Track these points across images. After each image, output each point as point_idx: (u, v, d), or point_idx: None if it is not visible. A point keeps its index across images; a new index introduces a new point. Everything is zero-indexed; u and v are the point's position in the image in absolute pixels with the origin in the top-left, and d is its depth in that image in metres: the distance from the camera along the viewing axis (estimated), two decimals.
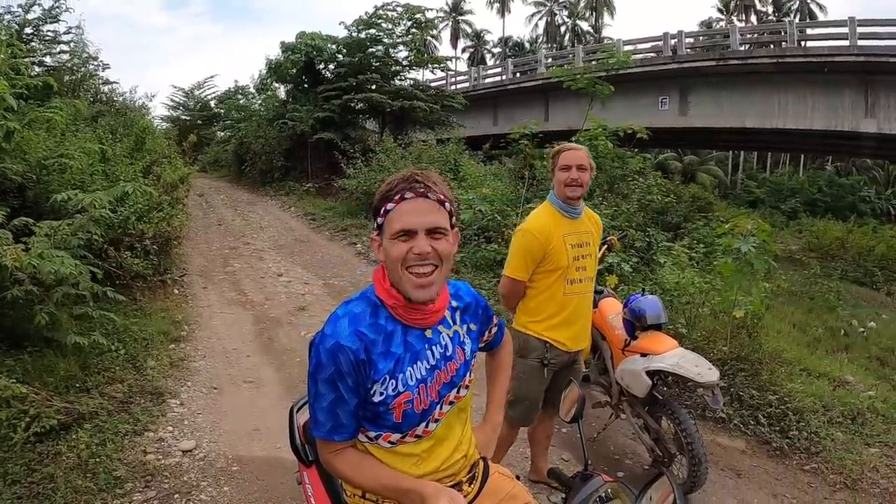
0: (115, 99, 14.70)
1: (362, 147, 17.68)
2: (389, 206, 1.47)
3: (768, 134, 21.48)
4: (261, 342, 6.20)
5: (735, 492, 3.75)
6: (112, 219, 5.66)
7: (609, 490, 1.75)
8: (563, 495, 1.89)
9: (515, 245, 3.05)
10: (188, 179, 10.93)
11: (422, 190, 1.47)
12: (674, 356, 3.49)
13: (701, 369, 3.39)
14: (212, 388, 4.98)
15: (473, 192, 10.05)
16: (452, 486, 1.63)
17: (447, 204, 1.51)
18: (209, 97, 32.29)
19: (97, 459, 3.50)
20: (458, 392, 1.63)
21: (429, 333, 1.58)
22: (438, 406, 1.58)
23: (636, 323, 3.72)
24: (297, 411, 2.17)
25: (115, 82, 15.47)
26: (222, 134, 30.33)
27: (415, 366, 1.53)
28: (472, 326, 1.73)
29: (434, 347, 1.58)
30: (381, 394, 1.48)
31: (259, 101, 24.54)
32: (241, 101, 27.16)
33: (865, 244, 19.50)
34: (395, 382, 1.49)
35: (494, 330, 1.89)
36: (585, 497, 1.75)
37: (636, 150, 10.58)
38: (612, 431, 4.33)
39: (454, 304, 1.69)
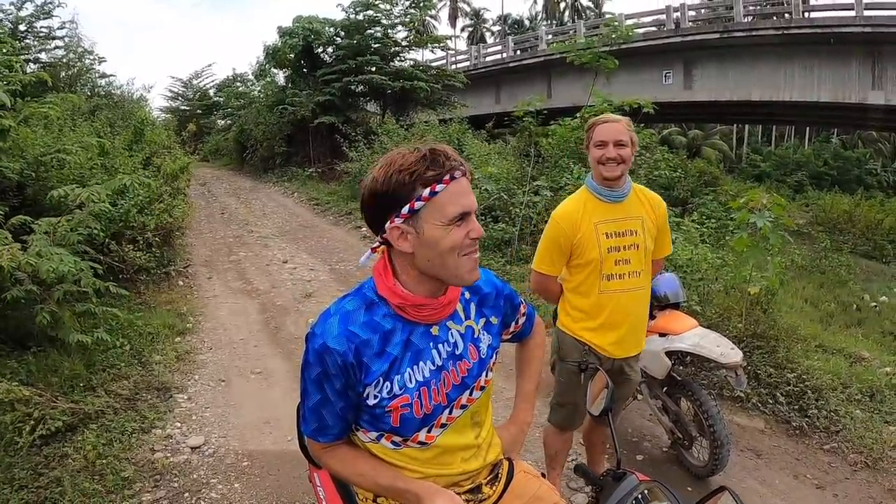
0: (112, 92, 14.62)
1: (364, 130, 17.62)
2: (439, 187, 1.27)
3: (775, 106, 21.21)
4: (268, 331, 6.13)
5: (756, 473, 3.67)
6: (112, 213, 5.57)
7: (647, 491, 1.60)
8: (592, 495, 1.78)
9: (543, 234, 2.68)
10: (189, 169, 10.83)
11: (463, 168, 1.32)
12: (694, 336, 3.40)
13: (723, 349, 3.29)
14: (219, 381, 4.91)
15: (479, 171, 9.93)
16: (471, 489, 1.54)
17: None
18: (208, 86, 32.33)
19: (104, 460, 3.44)
20: (471, 394, 1.48)
21: (435, 331, 1.42)
22: (447, 410, 1.44)
23: (654, 302, 3.60)
24: None
25: (111, 75, 15.44)
26: (222, 122, 30.36)
27: (416, 367, 1.38)
28: (493, 319, 1.57)
29: (441, 346, 1.43)
30: (375, 397, 1.36)
31: (258, 88, 24.40)
32: (241, 89, 27.10)
33: (873, 217, 19.27)
34: (389, 385, 1.36)
35: (522, 320, 1.71)
36: (622, 498, 1.62)
37: (642, 125, 10.43)
38: (630, 413, 4.26)
39: (467, 294, 1.53)
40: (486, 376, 1.52)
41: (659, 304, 3.62)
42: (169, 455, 3.71)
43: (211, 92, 32.02)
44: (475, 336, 1.51)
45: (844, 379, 4.64)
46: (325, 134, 19.22)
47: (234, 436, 4.04)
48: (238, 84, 28.28)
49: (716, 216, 9.68)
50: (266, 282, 7.99)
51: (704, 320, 4.94)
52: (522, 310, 1.71)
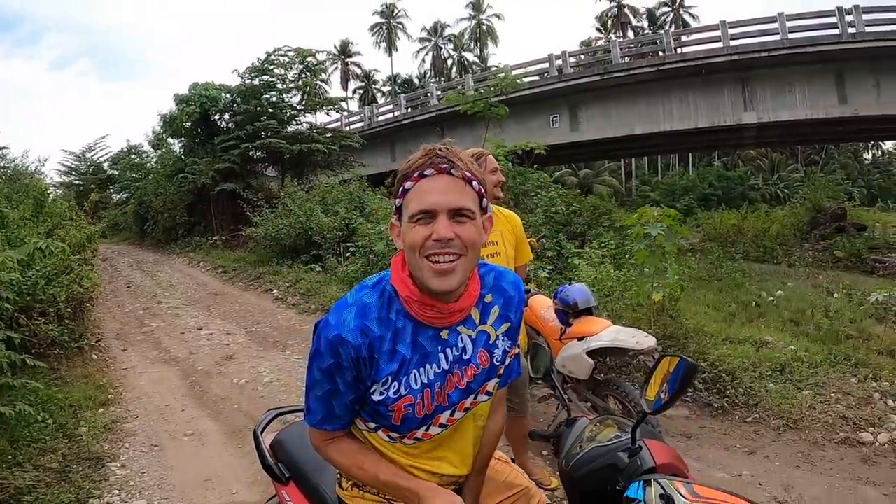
0: (6, 166, 13.97)
1: (266, 195, 17.55)
2: (408, 184, 1.30)
3: (657, 137, 22.73)
4: (193, 395, 5.97)
5: (690, 452, 3.94)
6: (21, 284, 5.36)
7: (598, 422, 1.77)
8: (558, 485, 1.91)
9: None
10: (95, 239, 10.45)
11: (445, 166, 1.29)
12: (610, 332, 3.68)
13: (638, 338, 3.60)
14: (152, 447, 4.73)
15: (382, 223, 10.21)
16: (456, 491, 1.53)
17: (475, 183, 1.32)
18: (102, 159, 31.11)
19: None
20: (475, 398, 1.45)
21: (444, 335, 1.39)
22: (448, 411, 1.41)
23: (568, 311, 3.89)
24: (262, 432, 2.16)
25: (5, 147, 14.69)
26: (118, 196, 29.22)
27: (422, 369, 1.36)
28: (514, 326, 1.51)
29: (449, 350, 1.39)
30: (382, 394, 1.34)
31: (155, 158, 23.84)
32: (136, 161, 26.29)
33: (760, 226, 20.83)
34: (397, 385, 1.34)
35: (509, 361, 1.53)
36: (576, 439, 1.75)
37: (535, 166, 11.03)
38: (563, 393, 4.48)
39: (488, 298, 1.46)
40: (495, 382, 1.49)
41: (573, 311, 3.89)
42: None
43: (105, 165, 30.89)
44: (490, 342, 1.46)
45: (754, 360, 5.09)
46: (226, 201, 19.00)
47: (176, 496, 3.92)
48: (133, 156, 27.47)
49: (613, 242, 10.33)
50: (183, 349, 7.77)
51: None
52: (514, 350, 1.56)
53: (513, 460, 1.85)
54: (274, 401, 5.38)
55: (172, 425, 5.20)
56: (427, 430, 1.41)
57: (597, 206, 21.83)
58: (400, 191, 1.32)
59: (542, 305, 4.27)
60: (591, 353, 3.66)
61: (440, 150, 1.32)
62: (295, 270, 12.60)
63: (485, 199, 1.36)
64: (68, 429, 4.70)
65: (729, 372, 4.81)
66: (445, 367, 1.39)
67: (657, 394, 1.58)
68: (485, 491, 1.62)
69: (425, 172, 1.29)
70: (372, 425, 1.42)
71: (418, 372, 1.36)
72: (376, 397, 1.35)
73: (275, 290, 11.64)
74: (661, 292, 5.47)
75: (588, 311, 3.93)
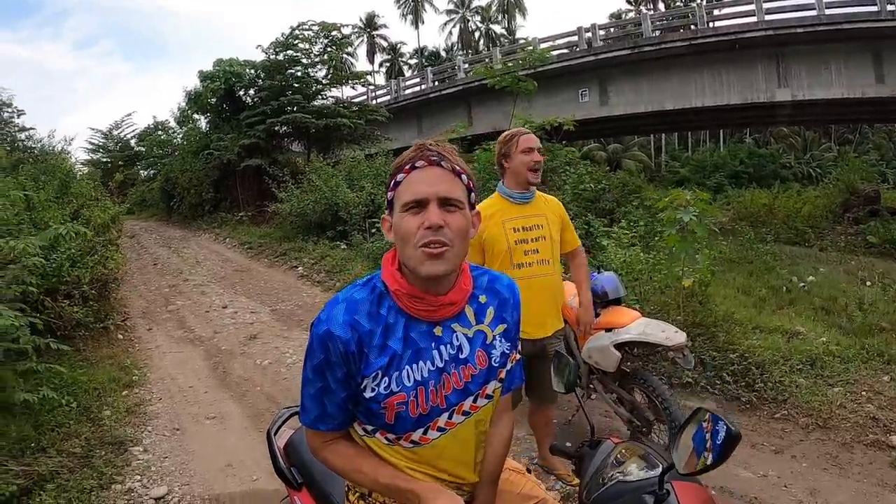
0: (33, 146, 14.11)
1: (291, 170, 17.50)
2: (399, 177, 1.36)
3: (688, 114, 22.29)
4: (216, 376, 5.99)
5: None
6: (45, 266, 5.38)
7: (623, 450, 1.67)
8: (572, 467, 1.84)
9: None
10: (119, 219, 10.53)
11: (434, 158, 1.35)
12: (639, 325, 3.56)
13: (668, 333, 3.47)
14: (174, 430, 4.76)
15: None
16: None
17: (464, 176, 1.38)
18: (128, 136, 31.40)
19: None
20: (474, 401, 1.44)
21: (438, 331, 1.40)
22: (446, 414, 1.40)
23: (596, 300, 3.77)
24: (275, 434, 2.10)
25: (31, 128, 14.83)
26: (145, 173, 29.53)
27: (415, 365, 1.36)
28: (511, 328, 1.52)
29: (443, 347, 1.39)
30: (373, 390, 1.34)
31: (181, 135, 23.94)
32: (162, 137, 26.48)
33: (792, 207, 20.29)
34: (387, 380, 1.34)
35: (510, 366, 1.53)
36: (600, 463, 1.66)
37: (563, 142, 10.80)
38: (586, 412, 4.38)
39: (482, 298, 1.48)
40: (495, 385, 1.47)
41: (601, 301, 3.79)
42: None
43: (132, 142, 31.20)
44: (487, 342, 1.46)
45: (784, 353, 4.94)
46: (252, 177, 19.01)
47: (197, 482, 3.93)
48: (160, 132, 27.68)
49: (642, 221, 10.10)
50: (208, 328, 7.82)
51: (644, 315, 5.15)
52: (515, 355, 1.56)
53: (528, 470, 1.78)
54: (296, 384, 5.35)
55: (195, 408, 5.22)
56: (425, 433, 1.39)
57: (626, 183, 21.37)
58: (392, 184, 1.37)
59: (569, 293, 4.15)
60: (618, 346, 3.55)
61: (431, 144, 1.38)
62: (320, 247, 12.56)
63: (473, 194, 1.41)
64: (92, 412, 4.75)
65: (759, 365, 4.66)
66: (440, 364, 1.39)
67: (691, 453, 1.44)
68: (499, 502, 1.58)
69: (416, 164, 1.34)
70: (369, 428, 1.41)
71: (411, 368, 1.36)
72: (368, 394, 1.35)
73: (300, 267, 11.64)
74: (692, 278, 5.30)
75: (617, 301, 3.82)
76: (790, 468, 3.67)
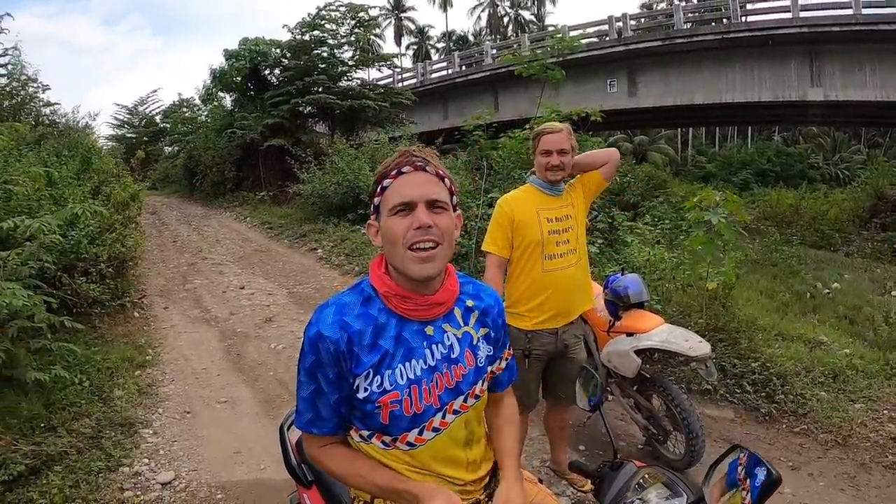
0: (57, 121, 14.21)
1: (314, 151, 17.46)
2: (386, 182, 1.40)
3: (718, 109, 21.91)
4: (230, 359, 5.99)
5: None
6: (63, 244, 5.38)
7: (646, 475, 1.62)
8: (592, 487, 1.77)
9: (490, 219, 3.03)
10: (139, 197, 10.56)
11: (420, 164, 1.40)
12: (661, 332, 3.46)
13: (691, 343, 3.36)
14: (185, 413, 4.75)
15: None
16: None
17: (446, 180, 1.43)
18: (154, 112, 31.65)
19: (72, 503, 3.28)
20: (465, 401, 1.47)
21: (429, 331, 1.44)
22: (439, 414, 1.43)
23: (619, 303, 3.68)
24: (288, 429, 2.04)
25: (56, 103, 14.92)
26: (169, 149, 29.75)
27: (408, 364, 1.39)
28: (492, 333, 1.57)
29: (435, 346, 1.43)
30: (365, 390, 1.37)
31: (205, 112, 24.04)
32: (187, 114, 26.62)
33: (818, 209, 19.94)
34: (380, 379, 1.37)
35: (504, 364, 1.64)
36: (622, 487, 1.62)
37: (589, 133, 10.61)
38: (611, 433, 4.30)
39: (469, 303, 1.54)
40: (482, 385, 1.52)
41: (623, 304, 3.67)
42: (139, 493, 3.57)
43: (157, 118, 31.48)
44: (473, 343, 1.51)
45: (806, 364, 4.80)
46: (275, 157, 19.03)
47: (205, 468, 3.91)
48: (184, 109, 27.86)
49: (667, 217, 9.93)
50: (224, 309, 7.82)
51: (666, 318, 5.03)
52: (507, 353, 1.66)
53: (539, 480, 1.76)
54: None
55: (207, 391, 5.22)
56: (420, 434, 1.42)
57: (651, 176, 21.13)
58: (378, 189, 1.42)
59: (595, 292, 4.05)
60: (638, 352, 3.45)
61: (415, 151, 1.43)
62: (341, 229, 12.50)
63: (455, 197, 1.46)
64: (104, 392, 4.75)
65: (780, 375, 4.52)
66: (432, 363, 1.42)
67: (723, 491, 1.39)
68: None
69: (402, 170, 1.39)
70: (365, 433, 1.43)
71: (404, 367, 1.39)
72: (361, 394, 1.37)
73: (319, 250, 11.60)
74: (716, 281, 5.17)
75: (639, 305, 3.70)
76: (807, 487, 3.54)
